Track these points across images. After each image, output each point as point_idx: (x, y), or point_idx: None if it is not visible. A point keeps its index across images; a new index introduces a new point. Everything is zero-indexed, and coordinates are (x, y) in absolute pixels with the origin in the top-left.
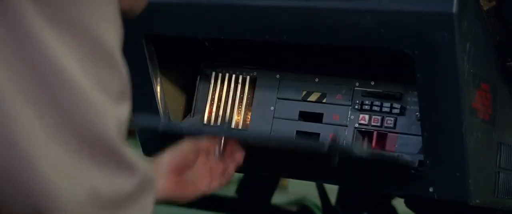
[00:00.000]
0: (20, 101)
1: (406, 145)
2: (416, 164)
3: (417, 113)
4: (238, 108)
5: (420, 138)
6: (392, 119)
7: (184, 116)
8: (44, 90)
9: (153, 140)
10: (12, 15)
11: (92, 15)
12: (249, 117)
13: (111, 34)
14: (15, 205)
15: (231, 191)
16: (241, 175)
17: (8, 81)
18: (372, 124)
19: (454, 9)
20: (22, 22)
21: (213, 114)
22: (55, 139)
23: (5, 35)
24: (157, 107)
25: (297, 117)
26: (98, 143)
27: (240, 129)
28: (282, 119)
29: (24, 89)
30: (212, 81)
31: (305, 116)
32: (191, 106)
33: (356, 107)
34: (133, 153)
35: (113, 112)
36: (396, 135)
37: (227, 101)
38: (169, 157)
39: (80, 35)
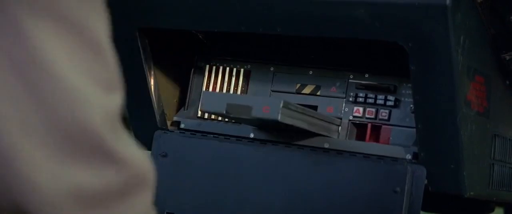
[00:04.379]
0: None
1: (400, 137)
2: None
3: (411, 105)
4: None
5: (414, 130)
6: (387, 111)
7: (178, 109)
8: (22, 81)
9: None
10: None
11: (73, 2)
12: None
13: (97, 21)
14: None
15: None
16: None
17: None
18: (367, 116)
19: (448, 1)
20: (2, 8)
21: None
22: (33, 132)
23: None
24: (150, 100)
25: None
26: (80, 135)
27: None
28: None
29: (0, 79)
30: (206, 74)
31: None
32: (185, 99)
33: (350, 99)
34: (125, 146)
35: (100, 102)
36: (390, 127)
37: None
38: None
39: (61, 22)
